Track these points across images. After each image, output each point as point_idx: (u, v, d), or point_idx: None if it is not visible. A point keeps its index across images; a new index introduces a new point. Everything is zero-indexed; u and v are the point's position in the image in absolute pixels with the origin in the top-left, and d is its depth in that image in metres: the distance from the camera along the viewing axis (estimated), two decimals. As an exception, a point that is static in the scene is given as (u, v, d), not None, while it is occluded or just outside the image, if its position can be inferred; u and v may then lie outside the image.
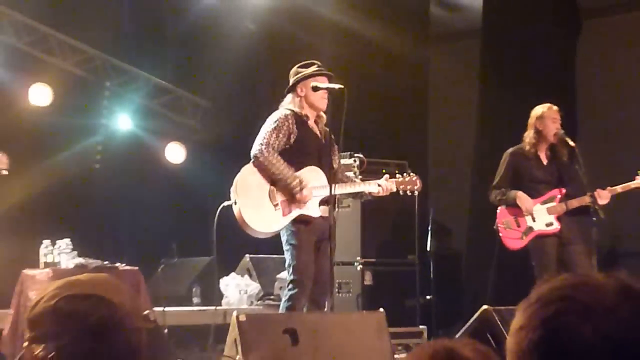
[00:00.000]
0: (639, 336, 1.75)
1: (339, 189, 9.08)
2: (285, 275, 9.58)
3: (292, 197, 8.92)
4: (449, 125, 14.29)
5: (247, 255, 13.72)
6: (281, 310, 9.13)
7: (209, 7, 16.65)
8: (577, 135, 11.70)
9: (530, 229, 10.58)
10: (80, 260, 11.69)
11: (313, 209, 9.00)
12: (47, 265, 11.57)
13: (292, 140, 9.05)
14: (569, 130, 10.86)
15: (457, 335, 9.20)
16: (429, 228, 13.31)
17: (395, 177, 9.39)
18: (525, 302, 1.85)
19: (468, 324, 9.30)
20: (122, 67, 16.55)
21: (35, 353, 2.94)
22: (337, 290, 11.71)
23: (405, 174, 9.46)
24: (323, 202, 9.04)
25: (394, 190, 9.32)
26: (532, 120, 10.62)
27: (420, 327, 12.12)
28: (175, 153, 16.17)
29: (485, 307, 9.23)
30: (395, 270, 12.82)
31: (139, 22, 16.55)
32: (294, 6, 15.44)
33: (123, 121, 16.49)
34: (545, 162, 10.71)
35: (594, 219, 10.30)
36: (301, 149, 9.10)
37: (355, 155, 12.01)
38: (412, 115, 14.11)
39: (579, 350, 1.75)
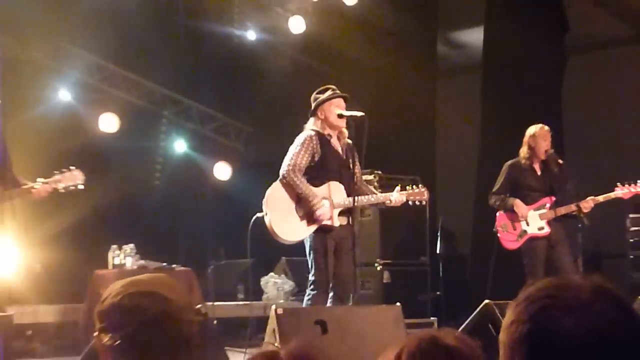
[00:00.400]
0: (611, 326, 1.76)
1: (364, 200, 9.07)
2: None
3: (311, 212, 8.88)
4: (454, 146, 14.27)
5: (283, 258, 13.74)
6: (304, 305, 9.15)
7: (251, 47, 16.70)
8: (564, 152, 11.69)
9: (525, 232, 10.60)
10: (142, 262, 11.72)
11: (333, 220, 8.96)
12: (114, 266, 11.61)
13: (316, 158, 9.00)
14: (557, 147, 10.91)
15: (462, 326, 9.17)
16: (438, 233, 13.26)
17: (405, 190, 9.35)
18: (514, 301, 1.85)
19: (472, 316, 9.25)
20: (177, 98, 16.62)
21: (104, 341, 2.95)
22: (361, 286, 11.72)
23: (414, 186, 9.42)
24: (343, 213, 9.01)
25: (405, 200, 9.27)
26: (526, 138, 10.68)
27: (431, 318, 12.10)
28: (222, 171, 16.21)
29: (486, 301, 9.17)
30: (409, 270, 12.81)
31: (191, 60, 16.58)
32: (322, 45, 15.44)
33: (178, 145, 16.56)
34: (539, 173, 10.72)
35: (580, 225, 10.36)
36: (324, 166, 9.04)
37: (375, 171, 12.03)
38: (422, 138, 14.11)
39: (563, 340, 1.75)
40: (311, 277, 9.07)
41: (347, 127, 9.26)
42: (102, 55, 15.64)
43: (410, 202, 9.37)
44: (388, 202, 9.29)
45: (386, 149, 11.96)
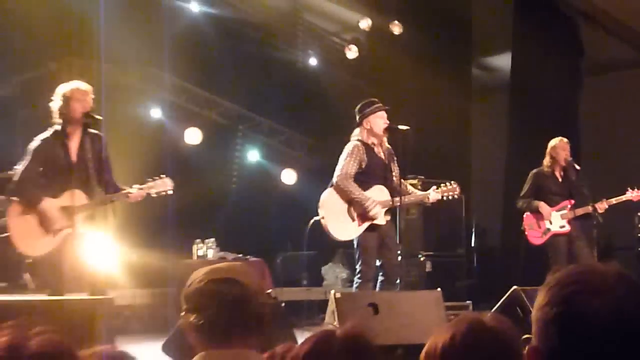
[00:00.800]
0: (633, 308, 1.75)
1: (404, 199, 9.02)
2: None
3: (365, 213, 8.85)
4: (486, 155, 14.18)
5: (340, 250, 13.72)
6: (354, 289, 9.12)
7: (312, 71, 16.73)
8: (581, 160, 11.59)
9: (548, 229, 10.62)
10: (222, 253, 11.80)
11: (380, 219, 8.92)
12: (198, 257, 11.71)
13: (363, 165, 8.97)
14: (575, 156, 10.93)
15: (494, 308, 9.11)
16: (473, 229, 13.25)
17: (439, 188, 9.36)
18: (546, 285, 1.84)
19: (502, 300, 9.21)
20: (250, 115, 16.69)
21: (190, 320, 2.97)
22: (407, 275, 11.70)
23: (447, 184, 9.40)
24: (387, 212, 8.98)
25: (440, 198, 9.27)
26: (548, 149, 10.72)
27: (467, 302, 12.06)
28: (288, 176, 16.25)
29: (514, 287, 9.14)
30: (448, 261, 12.78)
31: (262, 82, 16.64)
32: (373, 69, 15.44)
33: (251, 154, 16.64)
34: (559, 179, 10.74)
35: (595, 222, 10.32)
36: (370, 172, 9.00)
37: (418, 176, 12.01)
38: (458, 148, 14.06)
39: (591, 319, 1.74)
40: (358, 268, 9.05)
41: (393, 139, 9.28)
42: (187, 79, 15.78)
43: (444, 198, 9.34)
44: (426, 199, 9.29)
45: (428, 158, 11.91)
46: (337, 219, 8.95)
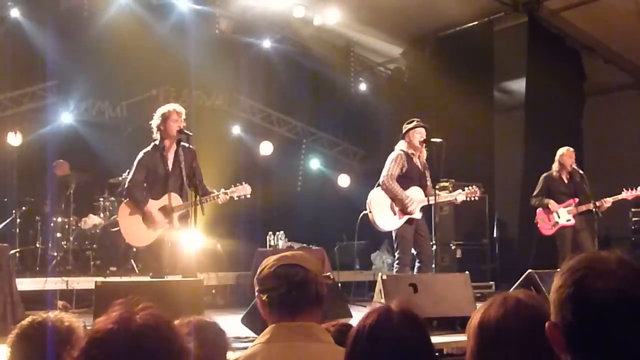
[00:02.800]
0: (633, 288, 1.76)
1: (437, 199, 9.12)
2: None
3: (405, 208, 9.00)
4: (506, 162, 14.06)
5: (385, 240, 13.68)
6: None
7: (362, 94, 16.76)
8: (584, 166, 11.50)
9: (557, 222, 10.71)
10: (289, 243, 11.79)
11: (416, 214, 9.07)
12: (270, 246, 11.69)
13: (403, 170, 9.12)
14: (579, 163, 10.98)
15: (512, 288, 9.02)
16: (495, 223, 13.16)
17: (464, 190, 9.45)
18: (561, 271, 1.85)
19: (518, 281, 9.13)
20: (313, 131, 16.74)
21: (263, 299, 2.98)
22: (441, 260, 11.66)
23: (471, 187, 9.49)
24: (421, 209, 9.12)
25: (464, 199, 9.41)
26: (557, 156, 10.82)
27: (490, 282, 12.01)
28: (344, 181, 16.23)
29: (529, 270, 9.06)
30: (475, 248, 12.72)
31: (322, 103, 16.68)
32: (412, 92, 15.41)
33: (313, 163, 16.64)
34: (566, 181, 10.80)
35: (595, 217, 10.28)
36: (408, 176, 9.16)
37: (450, 180, 11.97)
38: (483, 156, 13.94)
39: (597, 298, 1.75)
40: (397, 255, 9.17)
41: (429, 149, 9.33)
42: (261, 102, 15.93)
43: (468, 198, 9.44)
44: (454, 200, 9.48)
45: (458, 164, 11.82)
46: (381, 213, 9.09)
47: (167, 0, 13.71)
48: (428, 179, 9.33)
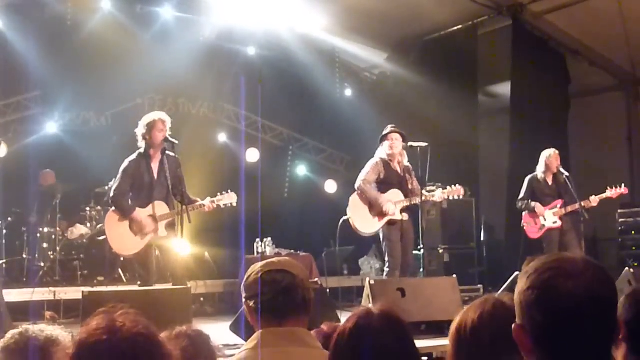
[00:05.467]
0: (599, 287, 1.79)
1: (415, 200, 9.18)
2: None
3: (380, 209, 9.05)
4: (491, 165, 14.10)
5: (373, 245, 13.68)
6: (384, 277, 9.19)
7: (348, 100, 16.78)
8: (570, 167, 11.56)
9: (543, 225, 10.67)
10: (277, 250, 11.80)
11: (397, 215, 9.06)
12: (258, 253, 11.71)
13: (381, 177, 9.23)
14: (564, 164, 10.96)
15: (499, 291, 9.04)
16: (482, 226, 13.19)
17: (446, 189, 9.50)
18: (525, 273, 1.87)
19: (505, 284, 9.17)
20: (299, 137, 16.75)
21: (250, 305, 2.98)
22: (429, 264, 11.69)
23: (452, 186, 9.53)
24: (403, 210, 9.14)
25: (446, 198, 9.51)
26: (542, 158, 10.75)
27: (478, 285, 12.03)
28: (331, 187, 16.22)
29: (516, 273, 9.08)
30: (462, 252, 12.72)
31: (308, 110, 16.68)
32: (398, 97, 15.43)
33: (300, 169, 16.66)
34: (551, 183, 10.77)
35: (582, 218, 10.30)
36: (387, 182, 9.25)
37: (436, 184, 11.96)
38: (469, 159, 13.98)
39: (566, 298, 1.76)
40: (387, 259, 9.16)
41: (414, 153, 9.37)
42: (246, 109, 15.85)
43: (451, 197, 9.54)
44: (439, 199, 9.61)
45: (444, 169, 11.84)
46: (361, 217, 9.16)
47: (151, 9, 13.70)
48: (413, 180, 9.37)
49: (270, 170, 15.91)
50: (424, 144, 9.23)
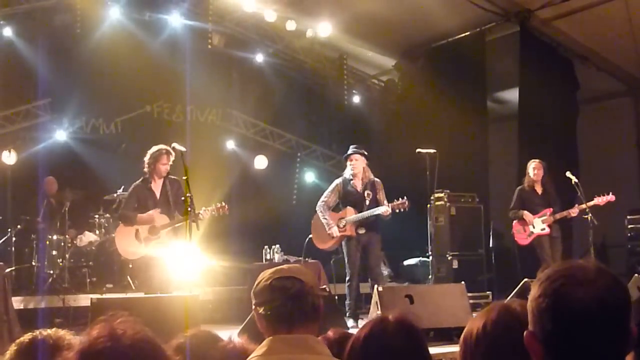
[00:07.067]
0: (611, 296, 1.78)
1: (368, 213, 9.64)
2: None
3: (329, 230, 9.85)
4: (501, 171, 14.07)
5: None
6: (346, 288, 9.88)
7: (356, 107, 16.77)
8: (579, 171, 11.56)
9: (532, 232, 11.02)
10: (285, 257, 11.80)
11: (352, 231, 9.68)
12: (266, 260, 11.71)
13: (340, 195, 9.93)
14: (574, 168, 11.26)
15: (508, 298, 9.02)
16: (491, 233, 13.15)
17: (392, 202, 9.67)
18: (538, 280, 1.86)
19: (515, 291, 9.15)
20: (307, 144, 16.74)
21: (259, 312, 2.98)
22: (437, 271, 11.69)
23: (399, 198, 9.64)
24: (361, 225, 9.69)
25: (390, 211, 9.56)
26: (527, 170, 11.21)
27: (487, 292, 11.99)
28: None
29: (525, 279, 9.08)
30: (471, 259, 12.65)
31: (316, 117, 16.70)
32: (406, 104, 15.43)
33: (308, 176, 16.64)
34: (540, 193, 11.13)
35: (591, 225, 10.34)
36: (345, 200, 9.93)
37: (445, 190, 12.00)
38: (478, 166, 13.94)
39: (577, 306, 1.76)
40: (347, 270, 9.80)
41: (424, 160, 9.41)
42: (255, 117, 15.91)
43: (396, 210, 9.65)
44: (377, 212, 9.68)
45: (452, 175, 11.85)
46: (319, 236, 10.00)
47: (160, 16, 13.75)
48: (378, 194, 9.78)
49: (279, 177, 15.93)
50: (432, 151, 9.27)
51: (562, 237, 11.08)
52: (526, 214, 10.98)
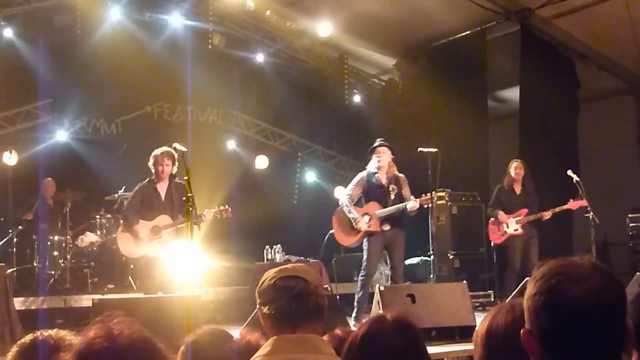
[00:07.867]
0: (606, 293, 1.79)
1: (395, 208, 9.47)
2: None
3: (356, 225, 9.56)
4: (501, 170, 14.07)
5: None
6: (358, 284, 9.73)
7: (357, 106, 16.76)
8: (580, 171, 11.53)
9: (505, 232, 11.24)
10: (287, 256, 11.79)
11: (376, 227, 9.46)
12: (268, 260, 11.70)
13: (365, 189, 9.69)
14: (574, 168, 11.15)
15: (509, 297, 9.03)
16: (492, 232, 13.15)
17: (420, 197, 9.51)
18: (534, 278, 1.87)
19: (516, 289, 9.16)
20: (308, 144, 16.76)
21: (264, 311, 2.98)
22: (439, 270, 11.68)
23: (426, 194, 9.51)
24: (386, 222, 9.49)
25: (418, 206, 9.41)
26: (508, 170, 11.39)
27: (488, 291, 11.99)
28: (339, 193, 16.19)
29: (527, 278, 9.06)
30: (472, 258, 12.67)
31: (317, 117, 16.70)
32: (406, 103, 15.43)
33: (309, 175, 16.66)
34: (519, 193, 11.33)
35: (592, 223, 10.36)
36: (369, 194, 9.68)
37: (446, 189, 12.03)
38: (479, 165, 13.93)
39: (573, 304, 1.76)
40: (363, 264, 9.57)
41: (424, 159, 9.42)
42: (256, 117, 15.92)
43: (424, 206, 9.58)
44: (406, 208, 9.51)
45: (454, 174, 11.86)
46: (343, 230, 9.70)
47: (160, 17, 13.74)
48: (403, 189, 9.62)
49: (280, 177, 15.95)
50: (433, 150, 9.26)
51: (539, 236, 11.16)
52: (500, 214, 11.18)
